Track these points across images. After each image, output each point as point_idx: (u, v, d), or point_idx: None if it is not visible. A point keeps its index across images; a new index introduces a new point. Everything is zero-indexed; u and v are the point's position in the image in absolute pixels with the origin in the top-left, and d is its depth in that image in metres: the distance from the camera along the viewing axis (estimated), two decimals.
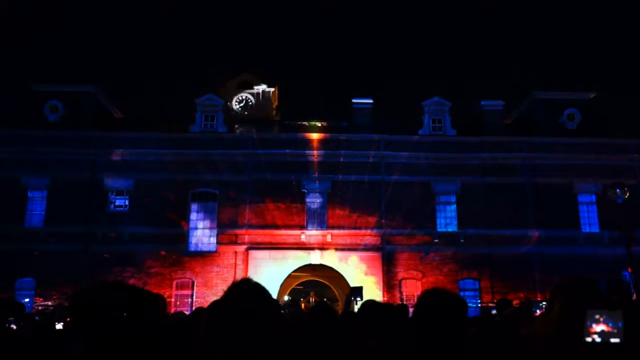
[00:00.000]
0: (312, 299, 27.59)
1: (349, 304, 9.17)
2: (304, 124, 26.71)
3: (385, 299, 21.54)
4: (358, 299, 9.84)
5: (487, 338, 3.58)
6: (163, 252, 23.09)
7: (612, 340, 0.81)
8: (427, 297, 2.55)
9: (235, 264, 23.26)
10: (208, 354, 1.87)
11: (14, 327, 4.30)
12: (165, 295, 19.86)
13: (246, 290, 1.93)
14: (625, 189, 15.87)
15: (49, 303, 21.23)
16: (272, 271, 22.98)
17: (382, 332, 3.28)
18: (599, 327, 0.83)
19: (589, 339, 0.82)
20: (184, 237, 23.63)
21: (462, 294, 21.61)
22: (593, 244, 23.28)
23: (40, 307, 20.29)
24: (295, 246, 23.50)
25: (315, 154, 24.25)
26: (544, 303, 4.81)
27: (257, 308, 1.86)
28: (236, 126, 26.43)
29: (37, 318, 7.83)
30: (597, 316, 0.82)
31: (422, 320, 2.44)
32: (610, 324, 0.81)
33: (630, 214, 18.97)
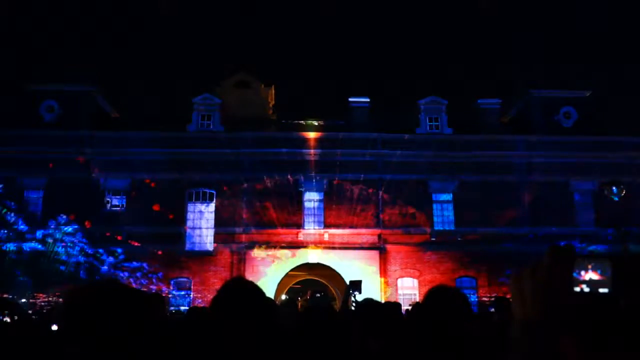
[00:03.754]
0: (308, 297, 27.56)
1: (347, 297, 9.19)
2: (301, 123, 26.68)
3: (383, 297, 21.56)
4: (357, 292, 9.86)
5: (489, 336, 3.59)
6: (160, 252, 23.04)
7: (601, 290, 0.82)
8: (435, 294, 2.54)
9: (233, 263, 23.25)
10: (204, 352, 1.87)
11: (8, 320, 4.30)
12: (163, 295, 19.80)
13: (239, 289, 1.92)
14: (622, 186, 15.91)
15: (50, 299, 21.16)
16: (269, 270, 22.98)
17: (381, 331, 3.29)
18: (587, 275, 0.84)
19: (577, 289, 0.84)
20: (181, 236, 23.61)
21: None
22: (589, 242, 23.33)
23: (42, 303, 20.24)
24: (292, 245, 23.50)
25: (312, 153, 24.25)
26: None
27: (250, 306, 1.86)
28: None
29: (34, 317, 7.83)
30: (585, 264, 0.84)
31: (432, 318, 2.43)
32: (599, 271, 0.83)
33: (626, 211, 19.04)
